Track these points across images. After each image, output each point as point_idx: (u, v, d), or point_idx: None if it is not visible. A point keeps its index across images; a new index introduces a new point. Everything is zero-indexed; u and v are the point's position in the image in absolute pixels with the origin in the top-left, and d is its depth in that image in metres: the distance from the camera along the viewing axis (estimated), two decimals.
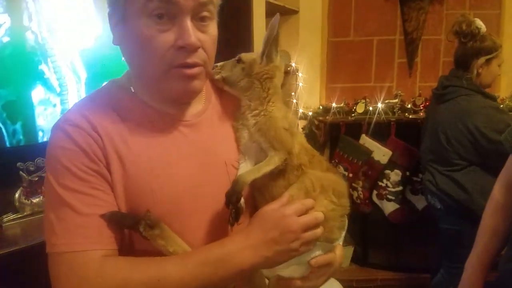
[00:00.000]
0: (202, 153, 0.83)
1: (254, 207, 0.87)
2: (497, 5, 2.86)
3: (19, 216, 1.55)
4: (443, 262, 2.30)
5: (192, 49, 0.75)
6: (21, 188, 1.57)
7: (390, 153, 2.61)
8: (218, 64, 0.89)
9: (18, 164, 1.54)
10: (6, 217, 1.53)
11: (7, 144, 1.52)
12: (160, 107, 0.83)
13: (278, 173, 0.82)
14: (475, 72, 2.10)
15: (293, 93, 2.72)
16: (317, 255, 0.84)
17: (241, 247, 0.74)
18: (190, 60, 0.76)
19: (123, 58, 0.82)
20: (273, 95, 0.86)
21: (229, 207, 0.77)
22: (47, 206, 0.74)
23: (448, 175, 2.12)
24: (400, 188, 2.65)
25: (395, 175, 2.65)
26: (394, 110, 2.68)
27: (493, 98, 2.16)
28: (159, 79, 0.77)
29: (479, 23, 2.11)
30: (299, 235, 0.76)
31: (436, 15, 2.87)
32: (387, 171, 2.65)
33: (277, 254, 0.75)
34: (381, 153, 2.62)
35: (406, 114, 2.67)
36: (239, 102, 0.89)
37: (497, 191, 1.23)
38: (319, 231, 0.79)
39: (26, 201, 1.57)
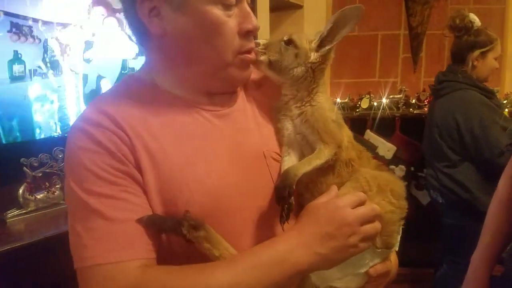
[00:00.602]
0: (238, 145, 0.76)
1: (300, 205, 0.78)
2: (502, 0, 2.84)
3: (23, 212, 1.54)
4: (447, 257, 2.30)
5: (256, 33, 0.74)
6: (25, 184, 1.55)
7: (394, 148, 2.60)
8: (260, 41, 0.78)
9: (22, 159, 1.52)
10: (10, 213, 1.51)
11: (4, 141, 1.50)
12: (190, 97, 0.76)
13: (328, 169, 0.75)
14: (470, 65, 2.11)
15: None
16: (375, 263, 0.75)
17: (294, 245, 0.65)
18: (253, 44, 0.75)
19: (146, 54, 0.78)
20: (322, 86, 0.80)
21: (280, 203, 0.70)
22: (72, 217, 0.66)
23: (446, 172, 2.13)
24: (405, 183, 2.61)
25: (399, 171, 2.63)
26: (399, 106, 2.68)
27: (490, 92, 2.15)
28: (223, 68, 0.73)
29: (473, 17, 2.12)
30: (356, 229, 0.67)
31: (441, 10, 2.84)
32: (392, 167, 2.62)
33: (335, 251, 0.66)
34: (385, 148, 2.61)
35: (411, 109, 2.67)
36: (276, 89, 0.82)
37: (502, 186, 1.21)
38: (379, 224, 0.71)
39: (30, 197, 1.56)
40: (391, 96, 2.69)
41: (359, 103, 2.69)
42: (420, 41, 2.87)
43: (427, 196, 2.45)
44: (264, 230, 0.74)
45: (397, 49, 2.90)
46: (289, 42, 0.77)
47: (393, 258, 0.83)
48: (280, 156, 0.79)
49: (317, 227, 0.67)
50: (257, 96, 0.85)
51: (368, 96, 2.68)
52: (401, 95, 2.69)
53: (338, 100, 2.70)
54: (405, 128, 2.63)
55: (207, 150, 0.72)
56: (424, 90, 2.74)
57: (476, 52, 2.09)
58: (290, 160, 0.77)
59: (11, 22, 1.65)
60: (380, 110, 2.64)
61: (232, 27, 0.70)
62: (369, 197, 0.72)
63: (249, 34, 0.72)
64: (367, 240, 0.70)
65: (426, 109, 2.59)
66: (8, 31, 1.83)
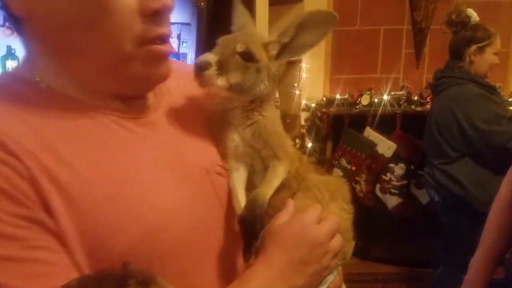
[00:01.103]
0: (173, 160, 0.61)
1: None
2: None
3: None
4: (444, 256, 2.29)
5: (168, 14, 0.56)
6: None
7: (394, 146, 2.56)
8: (209, 58, 0.62)
9: None
10: None
11: None
12: (94, 101, 0.57)
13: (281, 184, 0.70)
14: (467, 60, 2.09)
15: (296, 84, 2.68)
16: (334, 277, 0.69)
17: (268, 281, 0.57)
18: (165, 30, 0.56)
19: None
20: (274, 94, 0.74)
21: (247, 237, 0.62)
22: None
23: (442, 169, 2.12)
24: (405, 182, 2.61)
25: (399, 169, 2.60)
26: (400, 102, 2.62)
27: (491, 87, 2.12)
28: (122, 62, 0.55)
29: (470, 12, 2.10)
30: (327, 247, 0.63)
31: (446, 4, 2.75)
32: (391, 165, 2.61)
33: (311, 277, 0.61)
34: (385, 146, 2.57)
35: (413, 106, 2.61)
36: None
37: (505, 188, 1.18)
38: (340, 236, 0.67)
39: None
40: (392, 93, 2.63)
41: (359, 99, 2.63)
42: (423, 36, 2.80)
43: (427, 195, 2.42)
44: (223, 264, 0.64)
45: (400, 45, 2.82)
46: (247, 56, 0.64)
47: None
48: (225, 169, 0.69)
49: (288, 254, 0.60)
50: (181, 97, 0.71)
51: (368, 92, 2.62)
52: (403, 92, 2.63)
53: (338, 96, 2.66)
54: (406, 125, 2.58)
55: (138, 168, 0.56)
56: (427, 87, 2.67)
57: (473, 47, 2.07)
58: (240, 176, 0.68)
59: (4, 16, 1.63)
60: (381, 107, 2.58)
61: (128, 4, 0.51)
62: (323, 206, 0.67)
63: (157, 15, 0.54)
64: (336, 257, 0.66)
65: (428, 106, 2.53)
66: (1, 26, 1.82)
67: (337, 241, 0.65)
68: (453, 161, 2.09)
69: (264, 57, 0.66)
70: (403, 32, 2.82)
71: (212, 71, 0.61)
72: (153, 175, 0.58)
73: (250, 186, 0.68)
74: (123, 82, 0.58)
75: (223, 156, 0.70)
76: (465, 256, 2.10)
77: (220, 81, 0.62)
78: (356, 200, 2.67)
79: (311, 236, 0.61)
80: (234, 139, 0.69)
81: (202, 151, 0.68)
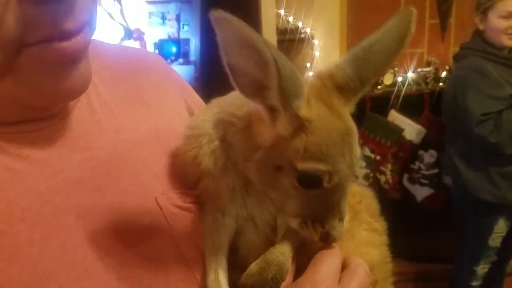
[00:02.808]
0: (102, 195, 0.46)
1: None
2: None
3: None
4: (456, 249, 2.23)
5: None
6: None
7: (424, 130, 2.34)
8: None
9: None
10: None
11: None
12: None
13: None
14: (479, 29, 1.98)
15: (308, 64, 2.46)
16: None
17: None
18: (71, 24, 0.39)
19: None
20: None
21: None
22: None
23: (448, 151, 2.06)
24: (436, 170, 2.39)
25: (429, 156, 2.38)
26: (427, 80, 2.41)
27: (507, 58, 1.94)
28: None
29: None
30: None
31: None
32: (421, 152, 2.39)
33: None
34: (413, 131, 2.34)
35: (441, 84, 2.38)
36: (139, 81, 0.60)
37: None
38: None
39: None
40: (418, 70, 2.41)
41: (381, 79, 2.37)
42: (449, 4, 2.60)
43: None
44: None
45: (423, 15, 2.59)
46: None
47: None
48: (191, 203, 0.51)
49: None
50: (115, 93, 0.55)
51: (391, 70, 2.37)
52: (430, 68, 2.43)
53: None
54: (436, 106, 2.32)
55: (51, 225, 0.41)
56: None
57: (476, 16, 1.96)
58: (228, 232, 0.50)
59: None
60: (406, 86, 2.35)
61: None
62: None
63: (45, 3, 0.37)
64: None
65: None
66: None
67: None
68: (452, 142, 2.03)
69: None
70: (426, 0, 2.60)
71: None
72: (71, 224, 0.43)
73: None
74: (21, 98, 0.42)
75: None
76: (476, 250, 2.05)
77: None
78: (381, 193, 2.42)
79: None
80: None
81: (149, 172, 0.51)
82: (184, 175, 0.52)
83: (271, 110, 0.41)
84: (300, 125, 0.41)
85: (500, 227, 2.01)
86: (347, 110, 0.45)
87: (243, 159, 0.47)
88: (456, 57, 2.09)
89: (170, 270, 0.48)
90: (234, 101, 0.49)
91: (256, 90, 0.41)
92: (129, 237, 0.47)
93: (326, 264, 0.46)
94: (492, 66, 1.90)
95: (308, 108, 0.41)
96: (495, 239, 2.04)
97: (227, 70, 0.40)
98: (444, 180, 2.38)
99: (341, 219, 0.44)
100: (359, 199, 0.58)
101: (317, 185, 0.42)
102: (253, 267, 0.45)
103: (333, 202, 0.44)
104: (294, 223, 0.45)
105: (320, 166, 0.41)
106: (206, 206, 0.51)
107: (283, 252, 0.46)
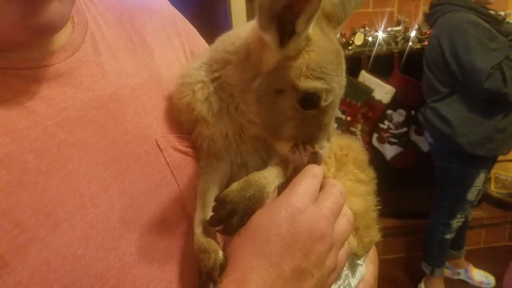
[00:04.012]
0: (100, 137, 0.47)
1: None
2: None
3: None
4: (435, 203, 2.24)
5: None
6: None
7: (393, 90, 2.33)
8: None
9: None
10: None
11: None
12: None
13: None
14: None
15: None
16: (362, 276, 0.59)
17: None
18: None
19: None
20: None
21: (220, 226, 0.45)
22: None
23: (433, 107, 2.01)
24: (404, 129, 2.42)
25: (398, 115, 2.40)
26: (397, 40, 2.34)
27: (492, 17, 1.92)
28: None
29: None
30: (331, 238, 0.47)
31: None
32: (389, 111, 2.40)
33: None
34: (383, 91, 2.34)
35: (411, 43, 2.34)
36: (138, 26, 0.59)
37: None
38: (345, 218, 0.52)
39: None
40: (388, 29, 2.34)
41: (352, 39, 2.30)
42: None
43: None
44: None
45: None
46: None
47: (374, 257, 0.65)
48: (189, 148, 0.54)
49: (272, 266, 0.42)
50: (114, 29, 0.56)
51: (362, 30, 2.30)
52: (400, 27, 2.35)
53: None
54: (405, 66, 2.33)
55: (37, 172, 0.41)
56: (425, 21, 2.37)
57: None
58: (216, 180, 0.53)
59: None
60: (376, 46, 2.30)
61: None
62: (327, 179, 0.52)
63: None
64: (343, 246, 0.51)
65: (427, 42, 2.26)
66: None
67: (342, 224, 0.49)
68: (443, 98, 1.97)
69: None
70: None
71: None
72: (77, 161, 0.44)
73: None
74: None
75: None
76: (454, 202, 2.11)
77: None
78: None
79: (306, 229, 0.44)
80: (228, 125, 0.52)
81: (149, 116, 0.52)
82: (180, 121, 0.54)
83: (284, 36, 0.43)
84: (305, 45, 0.44)
85: (480, 180, 2.07)
86: (334, 35, 0.48)
87: (241, 91, 0.48)
88: (433, 14, 2.02)
89: (167, 206, 0.50)
90: (225, 40, 0.51)
91: (277, 20, 0.42)
92: (130, 174, 0.48)
93: (304, 185, 0.47)
94: (481, 20, 1.87)
95: (313, 30, 0.44)
96: (473, 192, 2.11)
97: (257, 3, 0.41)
98: (411, 138, 2.45)
99: (329, 139, 0.47)
100: (346, 151, 0.60)
101: (315, 105, 0.44)
102: (235, 185, 0.46)
103: (325, 122, 0.46)
104: (285, 148, 0.47)
105: (320, 84, 0.43)
106: (201, 151, 0.53)
107: (266, 176, 0.47)
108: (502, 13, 2.30)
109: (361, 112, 2.40)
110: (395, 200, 2.59)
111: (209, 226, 0.46)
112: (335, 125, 2.41)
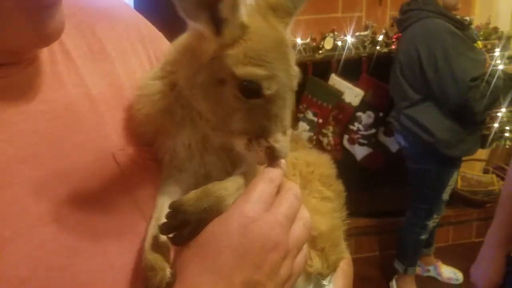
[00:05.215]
0: (58, 146, 0.46)
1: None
2: None
3: None
4: (411, 204, 2.27)
5: None
6: None
7: (362, 93, 2.41)
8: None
9: None
10: None
11: None
12: None
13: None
14: None
15: None
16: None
17: None
18: None
19: None
20: None
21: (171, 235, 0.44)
22: None
23: (407, 114, 2.04)
24: (373, 130, 2.49)
25: (367, 117, 2.48)
26: (365, 44, 2.43)
27: (460, 22, 2.00)
28: None
29: None
30: (286, 245, 0.45)
31: None
32: (359, 113, 2.47)
33: None
34: (352, 94, 2.41)
35: (378, 47, 2.42)
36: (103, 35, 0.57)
37: None
38: (301, 222, 0.50)
39: None
40: (356, 34, 2.42)
41: (322, 43, 2.37)
42: None
43: (396, 142, 2.32)
44: None
45: None
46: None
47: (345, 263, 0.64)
48: (149, 160, 0.52)
49: (223, 279, 0.41)
50: (81, 50, 0.55)
51: (331, 34, 2.37)
52: (367, 32, 2.43)
53: (299, 40, 2.36)
54: (373, 69, 2.41)
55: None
56: (392, 25, 2.47)
57: None
58: (176, 192, 0.50)
59: None
60: (345, 51, 2.37)
61: None
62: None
63: None
64: (301, 252, 0.48)
65: (394, 46, 2.37)
66: None
67: (297, 230, 0.47)
68: (415, 104, 2.00)
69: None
70: None
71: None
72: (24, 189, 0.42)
73: None
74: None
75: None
76: (431, 203, 2.16)
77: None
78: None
79: (259, 239, 0.42)
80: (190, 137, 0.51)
81: (108, 126, 0.51)
82: (140, 133, 0.52)
83: (216, 23, 0.43)
84: (241, 32, 0.43)
85: (453, 180, 2.13)
86: (282, 26, 0.47)
87: (189, 88, 0.47)
88: (405, 19, 2.02)
89: (124, 222, 0.49)
90: (175, 42, 0.51)
91: (203, 7, 0.42)
92: (84, 190, 0.47)
93: (258, 192, 0.45)
94: (454, 28, 1.90)
95: (247, 18, 0.44)
96: (447, 191, 2.16)
97: None
98: (380, 139, 2.52)
99: (284, 133, 0.45)
100: (312, 169, 0.59)
101: (257, 93, 0.43)
102: (192, 193, 0.45)
103: (275, 113, 0.44)
104: (241, 145, 0.45)
105: (259, 71, 0.42)
106: (163, 163, 0.52)
107: (226, 187, 0.46)
108: (467, 18, 2.42)
109: (332, 114, 2.46)
110: (366, 199, 2.66)
111: (160, 233, 0.45)
112: (307, 127, 2.46)
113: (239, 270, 0.41)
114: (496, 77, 1.86)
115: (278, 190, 0.47)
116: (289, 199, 0.46)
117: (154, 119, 0.50)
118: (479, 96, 1.80)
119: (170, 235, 0.43)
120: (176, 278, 0.43)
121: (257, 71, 0.42)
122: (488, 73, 1.87)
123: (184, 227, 0.43)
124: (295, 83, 0.46)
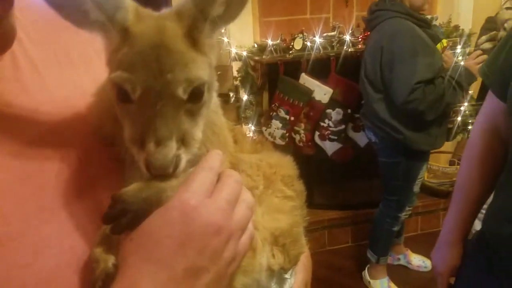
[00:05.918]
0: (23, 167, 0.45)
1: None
2: None
3: None
4: (383, 197, 2.33)
5: None
6: None
7: (331, 91, 2.48)
8: (170, 154, 0.43)
9: None
10: None
11: None
12: None
13: None
14: None
15: (222, 31, 2.40)
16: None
17: None
18: None
19: None
20: None
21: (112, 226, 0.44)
22: None
23: (374, 111, 2.07)
24: (342, 126, 2.56)
25: (336, 114, 2.54)
26: (333, 44, 2.50)
27: (425, 21, 2.05)
28: None
29: None
30: (228, 227, 0.44)
31: None
32: (329, 110, 2.53)
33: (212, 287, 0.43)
34: (322, 92, 2.48)
35: (345, 47, 2.49)
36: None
37: (473, 139, 1.07)
38: (244, 204, 0.49)
39: None
40: (324, 34, 2.49)
41: (292, 44, 2.45)
42: None
43: (365, 137, 2.41)
44: None
45: None
46: (196, 96, 0.45)
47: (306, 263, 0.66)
48: (112, 160, 0.52)
49: (164, 268, 0.40)
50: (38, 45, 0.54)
51: (301, 35, 2.46)
52: (334, 33, 2.51)
53: (270, 42, 2.44)
54: (342, 68, 2.48)
55: None
56: (358, 26, 2.57)
57: None
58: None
59: None
60: (314, 51, 2.44)
61: None
62: (255, 197, 0.53)
63: None
64: (245, 232, 0.48)
65: (360, 46, 2.45)
66: None
67: (240, 212, 0.46)
68: (381, 102, 2.03)
69: (202, 60, 0.46)
70: None
71: (182, 162, 0.44)
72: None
73: None
74: None
75: None
76: (403, 196, 2.22)
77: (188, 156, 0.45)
78: (296, 150, 2.59)
79: (200, 225, 0.42)
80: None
81: (72, 129, 0.51)
82: (102, 135, 0.53)
83: (105, 30, 0.44)
84: (125, 38, 0.43)
85: (423, 172, 2.20)
86: (170, 28, 0.45)
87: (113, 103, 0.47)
88: (373, 19, 2.05)
89: (89, 220, 0.48)
90: None
91: (82, 17, 0.43)
92: (50, 189, 0.47)
93: (198, 181, 0.44)
94: (419, 30, 1.93)
95: (136, 24, 0.44)
96: (418, 184, 2.22)
97: (52, 9, 0.42)
98: (349, 134, 2.62)
99: (158, 143, 0.42)
100: (274, 170, 0.61)
101: (125, 97, 0.42)
102: (134, 185, 0.44)
103: (144, 120, 0.42)
104: (136, 154, 0.44)
105: (124, 74, 0.42)
106: (125, 162, 0.52)
107: (171, 184, 0.45)
108: (429, 16, 2.53)
109: (304, 112, 2.53)
110: (337, 192, 2.76)
111: (102, 223, 0.44)
112: (280, 125, 2.55)
113: (181, 258, 0.41)
114: (448, 75, 1.94)
115: (219, 178, 0.46)
116: (230, 184, 0.46)
117: (107, 123, 0.51)
118: (422, 96, 1.84)
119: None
120: (118, 270, 0.42)
121: (122, 75, 0.42)
122: (449, 70, 1.95)
123: (123, 216, 0.42)
124: (173, 89, 0.42)
